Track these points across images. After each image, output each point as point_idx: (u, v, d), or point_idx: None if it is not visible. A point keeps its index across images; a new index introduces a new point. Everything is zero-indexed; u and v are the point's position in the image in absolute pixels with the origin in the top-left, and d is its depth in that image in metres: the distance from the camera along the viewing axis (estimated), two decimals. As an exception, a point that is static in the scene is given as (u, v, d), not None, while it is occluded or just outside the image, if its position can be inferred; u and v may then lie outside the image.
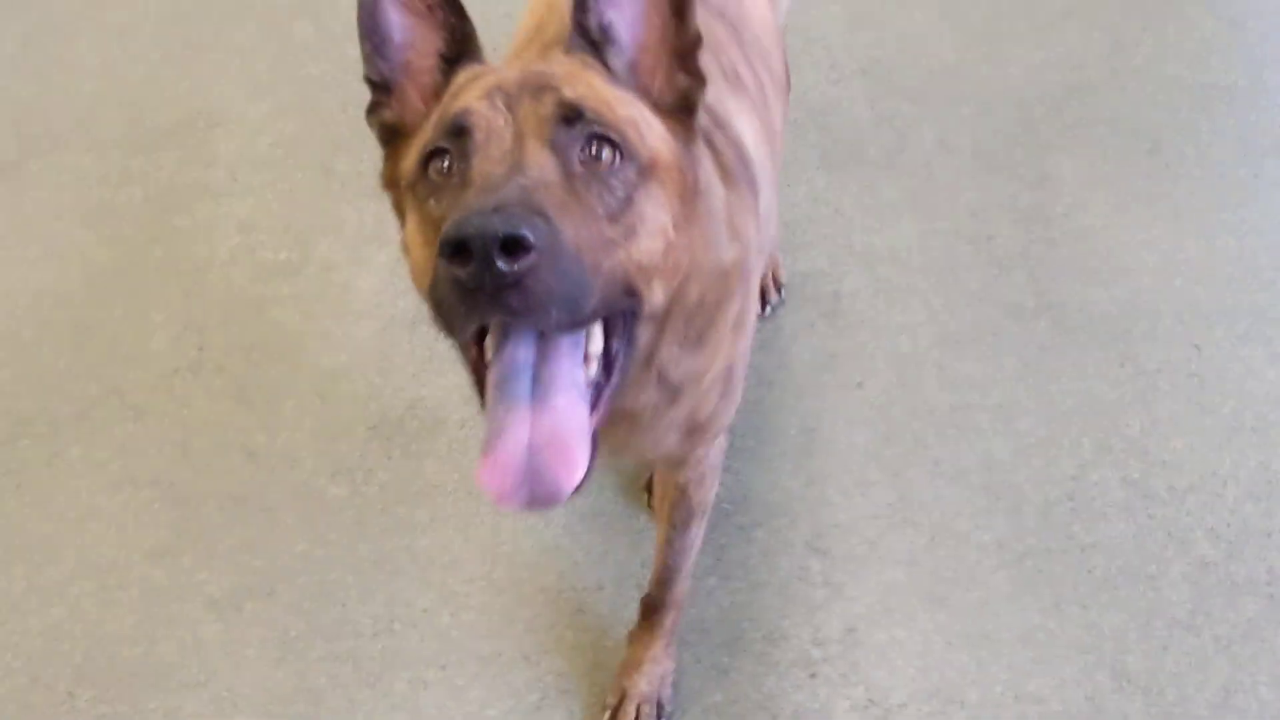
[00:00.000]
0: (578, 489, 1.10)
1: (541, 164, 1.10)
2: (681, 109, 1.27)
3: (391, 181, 1.30)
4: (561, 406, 1.12)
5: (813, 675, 1.97)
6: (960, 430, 2.25)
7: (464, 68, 1.28)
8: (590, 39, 1.25)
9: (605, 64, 1.25)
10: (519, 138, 1.12)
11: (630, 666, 1.94)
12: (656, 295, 1.18)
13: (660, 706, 1.94)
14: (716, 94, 1.53)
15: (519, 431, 1.11)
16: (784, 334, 2.41)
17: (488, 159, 1.11)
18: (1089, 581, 2.04)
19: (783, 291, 2.44)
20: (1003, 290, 2.45)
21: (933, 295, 2.45)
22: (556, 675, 2.00)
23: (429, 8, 1.29)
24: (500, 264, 0.97)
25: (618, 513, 2.19)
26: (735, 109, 1.60)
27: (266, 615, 2.09)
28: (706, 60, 1.49)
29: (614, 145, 1.14)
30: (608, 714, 1.94)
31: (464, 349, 1.19)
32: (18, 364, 2.47)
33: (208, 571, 2.16)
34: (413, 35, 1.30)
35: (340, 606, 2.10)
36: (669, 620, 1.92)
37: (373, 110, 1.31)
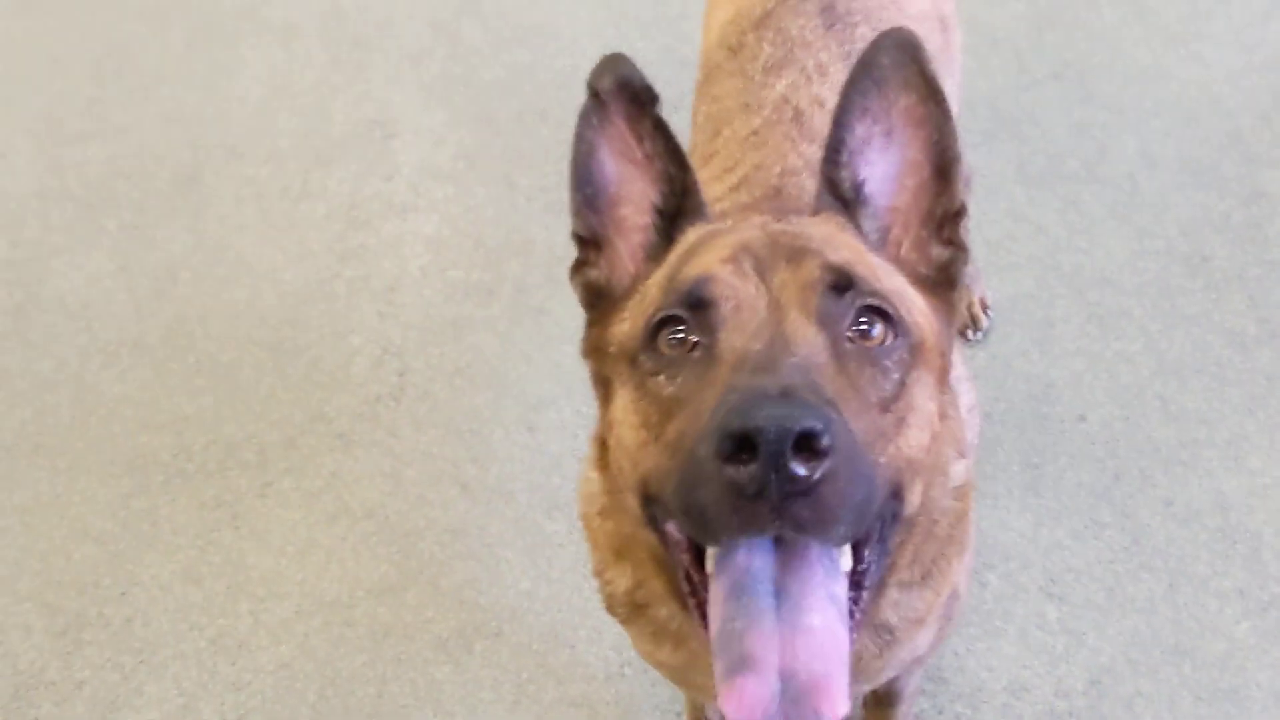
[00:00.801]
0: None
1: (809, 340, 0.94)
2: (939, 283, 1.13)
3: (595, 349, 1.16)
4: (818, 627, 0.92)
5: (1059, 729, 1.95)
6: (1189, 468, 2.20)
7: (690, 225, 1.16)
8: (841, 196, 1.12)
9: (858, 227, 1.12)
10: (776, 308, 0.97)
11: None
12: (916, 496, 1.02)
13: None
14: None
15: (769, 656, 0.91)
16: (998, 363, 2.36)
17: (741, 332, 0.96)
18: (1341, 634, 2.00)
19: (990, 313, 2.38)
20: (1222, 316, 2.38)
21: (1149, 321, 2.38)
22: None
23: (648, 158, 1.16)
24: (795, 466, 0.81)
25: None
26: None
27: (496, 656, 2.10)
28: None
29: (887, 319, 1.00)
30: None
31: (673, 546, 1.02)
32: (221, 389, 2.48)
33: (434, 610, 2.16)
34: (629, 188, 1.18)
35: (570, 649, 2.10)
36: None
37: (578, 268, 1.20)
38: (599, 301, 1.18)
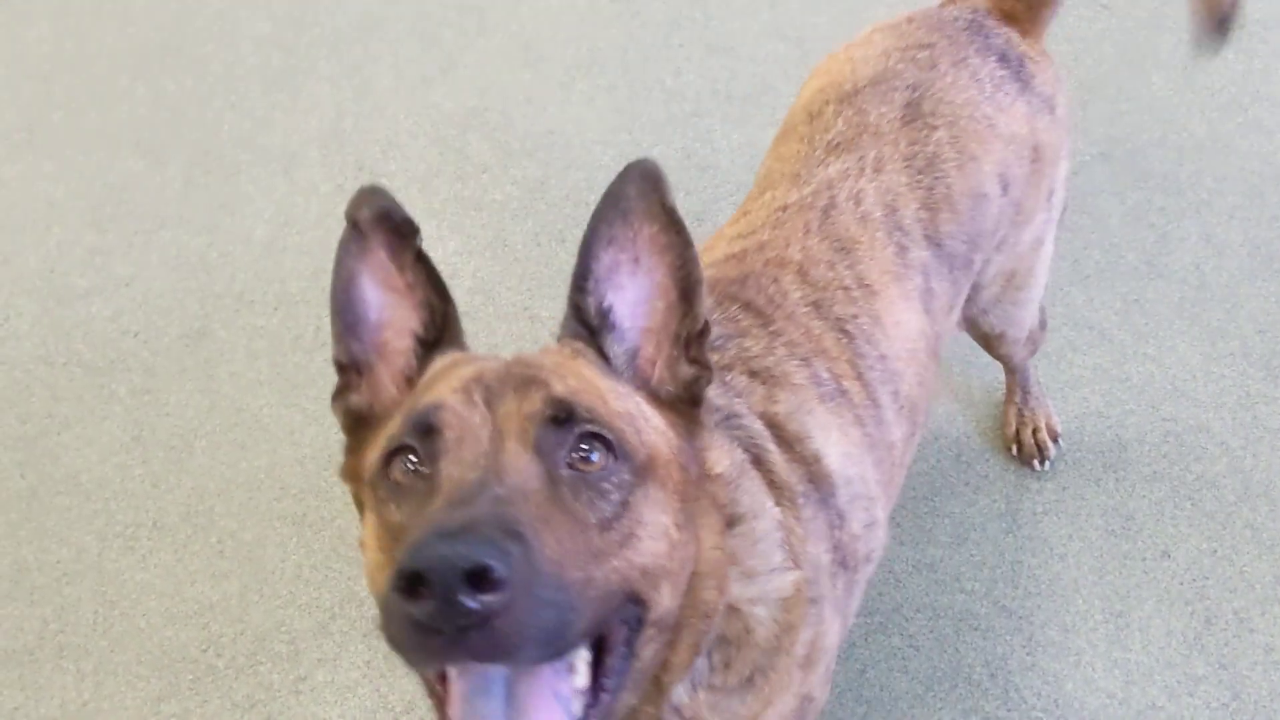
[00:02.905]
0: None
1: (521, 469, 0.98)
2: (685, 400, 1.17)
3: (353, 474, 1.17)
4: None
5: None
6: (1289, 604, 2.03)
7: (441, 353, 1.18)
8: (587, 323, 1.16)
9: (601, 350, 1.15)
10: (497, 438, 1.00)
11: None
12: (664, 599, 1.05)
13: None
14: (797, 406, 1.39)
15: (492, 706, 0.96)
16: (1069, 494, 2.19)
17: (459, 463, 0.99)
18: None
19: (1060, 443, 2.21)
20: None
21: (1230, 437, 2.21)
22: None
23: (409, 286, 1.19)
24: (464, 600, 0.83)
25: None
26: (823, 423, 1.40)
27: None
28: (794, 370, 1.40)
29: (607, 444, 1.03)
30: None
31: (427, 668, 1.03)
32: (246, 571, 2.35)
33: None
34: (390, 315, 1.20)
35: None
36: None
37: (339, 394, 1.20)
38: (359, 428, 1.19)
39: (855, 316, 1.50)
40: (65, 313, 2.81)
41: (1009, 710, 1.99)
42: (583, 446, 1.02)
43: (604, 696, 1.02)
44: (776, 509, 1.30)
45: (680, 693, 1.21)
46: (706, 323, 1.15)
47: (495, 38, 3.11)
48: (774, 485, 1.32)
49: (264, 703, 2.20)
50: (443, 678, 1.01)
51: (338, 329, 1.18)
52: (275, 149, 2.99)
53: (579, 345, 1.15)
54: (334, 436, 2.44)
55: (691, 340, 1.16)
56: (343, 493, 2.40)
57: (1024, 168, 1.64)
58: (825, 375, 1.44)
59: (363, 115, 3.03)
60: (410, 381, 1.18)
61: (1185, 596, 2.06)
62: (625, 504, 1.02)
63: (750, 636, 1.23)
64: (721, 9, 3.02)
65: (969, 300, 1.74)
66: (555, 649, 0.91)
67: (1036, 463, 2.19)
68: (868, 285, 1.51)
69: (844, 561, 1.38)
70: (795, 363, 1.43)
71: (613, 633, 1.02)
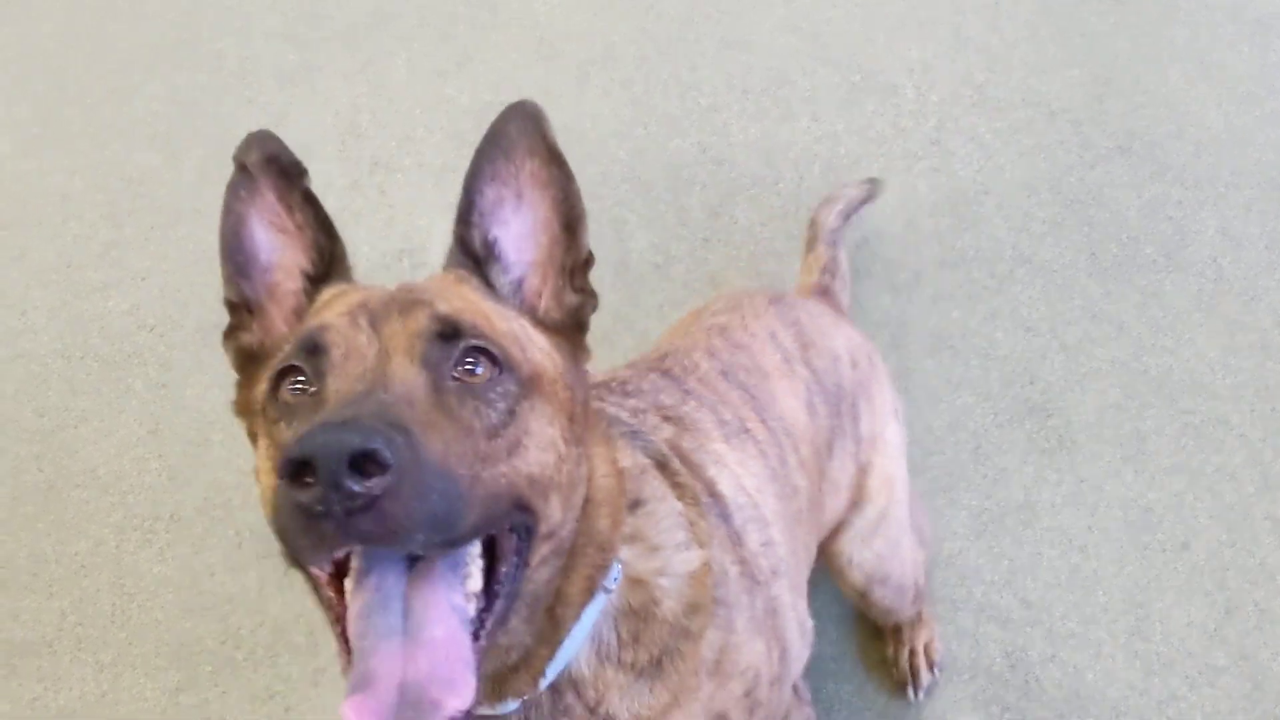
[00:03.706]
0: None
1: (407, 380, 0.99)
2: (570, 326, 1.21)
3: (245, 408, 1.19)
4: (440, 638, 0.97)
5: None
6: (1309, 596, 2.02)
7: (330, 286, 1.21)
8: (473, 254, 1.19)
9: (487, 279, 1.18)
10: (383, 355, 1.02)
11: None
12: (554, 510, 1.07)
13: None
14: (699, 445, 1.46)
15: (391, 668, 0.95)
16: (1087, 487, 2.19)
17: (345, 377, 1.01)
18: None
19: (937, 671, 2.02)
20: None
21: (1249, 429, 2.21)
22: None
23: (298, 227, 1.22)
24: (349, 484, 0.84)
25: None
26: (721, 455, 1.46)
27: None
28: (703, 417, 1.50)
29: (492, 358, 1.05)
30: None
31: (314, 580, 1.05)
32: (263, 563, 2.36)
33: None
34: (279, 255, 1.22)
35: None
36: None
37: (230, 334, 1.22)
38: (250, 365, 1.20)
39: (756, 384, 1.64)
40: (82, 306, 2.81)
41: (1029, 701, 1.99)
42: (468, 360, 1.04)
43: (497, 604, 1.03)
44: (679, 503, 1.33)
45: (585, 665, 1.21)
46: (590, 253, 1.20)
47: (510, 31, 3.11)
48: (677, 485, 1.35)
49: (283, 694, 2.20)
50: (340, 594, 1.02)
51: (228, 271, 1.21)
52: (290, 144, 2.99)
53: (463, 273, 1.17)
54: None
55: (576, 269, 1.20)
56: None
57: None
58: (730, 418, 1.54)
59: (378, 110, 3.03)
60: (300, 317, 1.20)
61: (1205, 588, 2.06)
62: (512, 413, 1.04)
63: (657, 609, 1.24)
64: (737, 4, 3.01)
65: (838, 550, 1.79)
66: (444, 536, 0.92)
67: (910, 690, 2.01)
68: (764, 371, 1.68)
69: (752, 575, 1.38)
70: (704, 411, 1.52)
71: (504, 540, 1.03)
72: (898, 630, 2.04)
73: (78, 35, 3.39)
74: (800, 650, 1.52)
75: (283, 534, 0.92)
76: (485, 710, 1.18)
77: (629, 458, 1.31)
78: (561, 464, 1.08)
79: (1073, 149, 2.62)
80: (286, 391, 1.05)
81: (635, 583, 1.24)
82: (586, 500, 1.15)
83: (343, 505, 0.85)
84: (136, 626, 2.32)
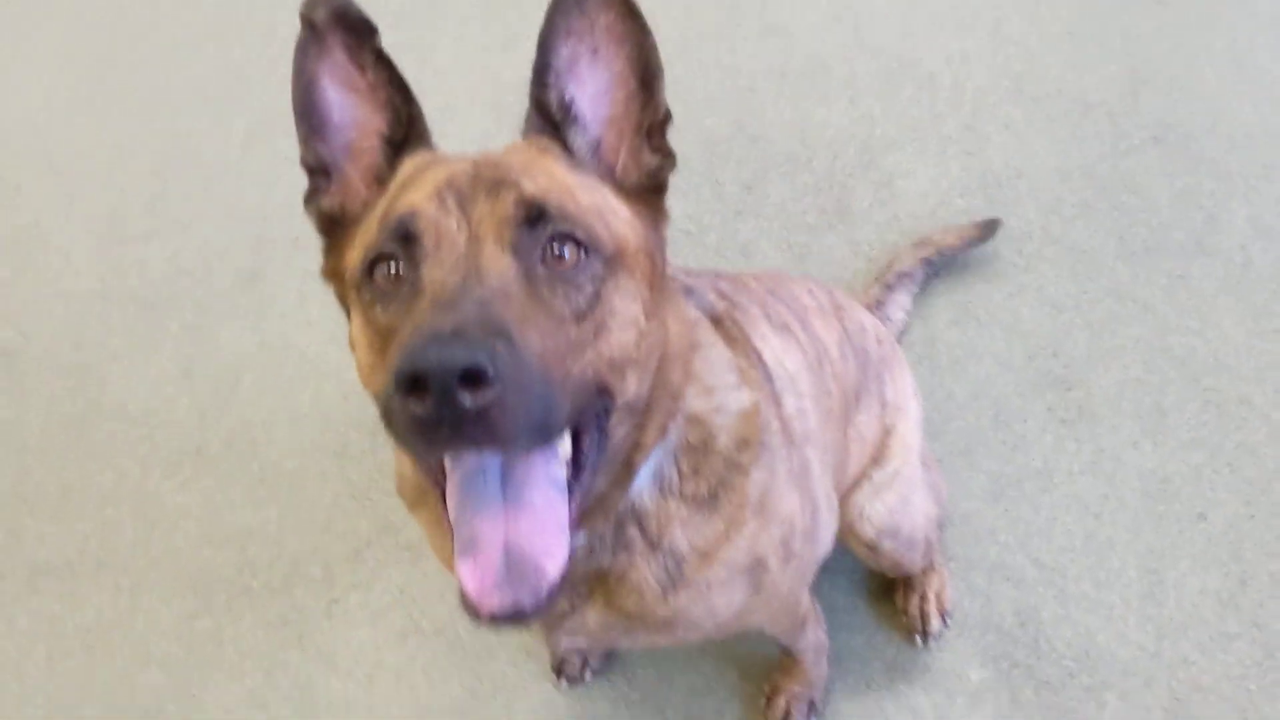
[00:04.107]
0: (556, 595, 1.04)
1: (501, 270, 1.03)
2: (649, 189, 1.20)
3: (334, 273, 1.21)
4: (539, 504, 1.05)
5: None
6: (1327, 571, 2.01)
7: (410, 154, 1.20)
8: (550, 118, 1.17)
9: (566, 144, 1.17)
10: (475, 241, 1.05)
11: (783, 669, 1.96)
12: (630, 386, 1.12)
13: (811, 704, 1.95)
14: (750, 317, 1.50)
15: (494, 532, 1.04)
16: (1106, 456, 2.19)
17: (439, 265, 1.04)
18: None
19: (948, 619, 2.03)
20: (1353, 399, 2.19)
21: (1271, 409, 2.20)
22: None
23: (371, 87, 1.20)
24: (461, 398, 0.89)
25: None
26: (765, 335, 1.50)
27: (577, 789, 1.97)
28: (750, 307, 1.50)
29: (578, 241, 1.07)
30: (764, 701, 1.98)
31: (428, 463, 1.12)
32: (285, 499, 2.39)
33: (508, 736, 2.04)
34: (354, 115, 1.21)
35: (655, 780, 1.96)
36: (808, 656, 1.89)
37: (310, 198, 1.21)
38: (334, 229, 1.21)
39: (797, 310, 1.68)
40: (124, 250, 2.87)
41: (1039, 659, 1.98)
42: (555, 244, 1.06)
43: (584, 474, 1.10)
44: (729, 350, 1.37)
45: (648, 499, 1.27)
46: (668, 110, 1.18)
47: (556, 15, 3.18)
48: (729, 337, 1.40)
49: (296, 623, 2.22)
50: (442, 469, 1.08)
51: (302, 132, 1.20)
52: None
53: (544, 141, 1.17)
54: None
55: (654, 128, 1.18)
56: (385, 432, 2.43)
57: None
58: (775, 316, 1.57)
59: (422, 81, 3.08)
60: (381, 182, 1.20)
61: (1220, 558, 2.05)
62: (597, 295, 1.07)
63: (713, 443, 1.30)
64: (778, -3, 3.08)
65: (852, 502, 1.83)
66: (541, 436, 0.98)
67: (919, 637, 2.02)
68: (804, 305, 1.72)
69: (789, 435, 1.43)
70: (754, 306, 1.55)
71: (586, 420, 1.08)
72: (909, 579, 2.04)
73: (142, 1, 3.50)
74: (829, 520, 1.55)
75: (396, 435, 0.96)
76: None
77: (685, 308, 1.34)
78: (642, 340, 1.12)
79: (1106, 139, 2.64)
80: (380, 277, 1.07)
81: (694, 421, 1.29)
82: (661, 357, 1.18)
83: (453, 417, 0.90)
84: (156, 554, 2.36)
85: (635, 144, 1.19)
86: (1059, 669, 1.97)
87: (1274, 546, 2.05)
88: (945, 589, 2.04)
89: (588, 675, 2.07)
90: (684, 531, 1.29)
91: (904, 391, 1.93)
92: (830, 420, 1.60)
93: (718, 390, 1.32)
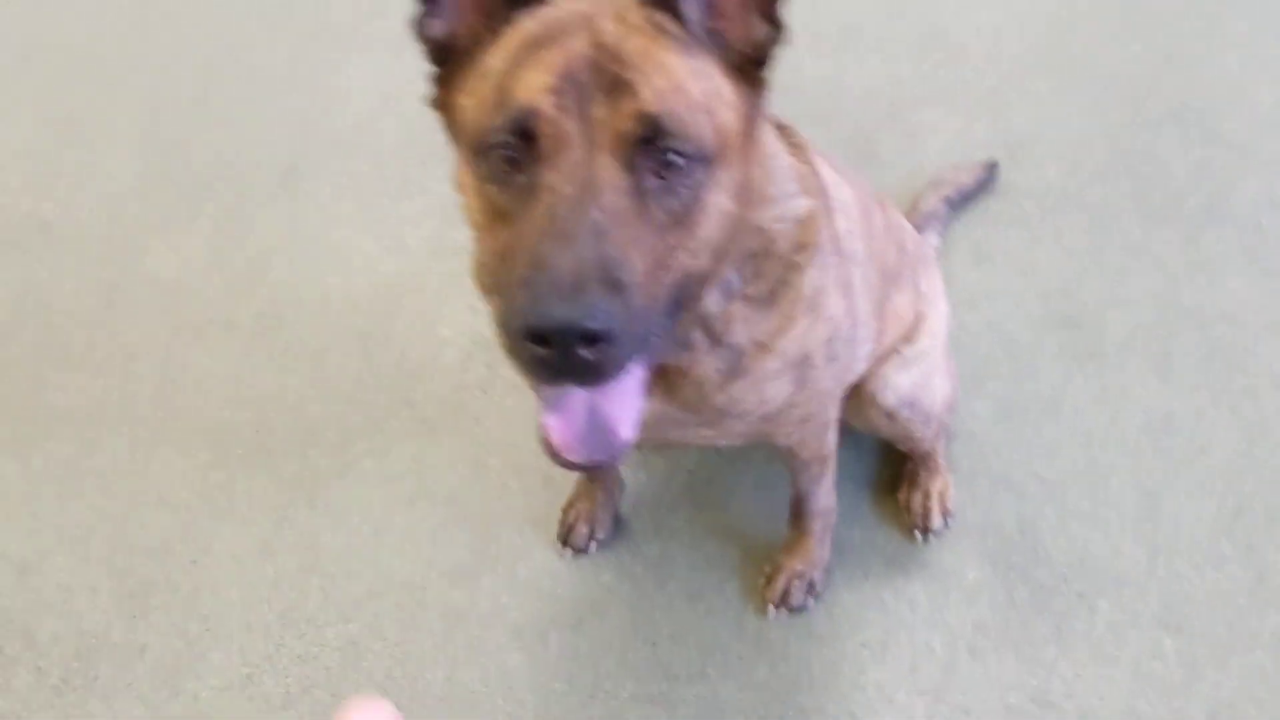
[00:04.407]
0: (627, 452, 1.19)
1: (614, 184, 1.08)
2: (754, 63, 1.20)
3: (443, 106, 1.22)
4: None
5: (1178, 764, 1.81)
6: (1319, 508, 2.07)
7: (524, 8, 1.18)
8: None
9: (677, 12, 1.16)
10: (591, 148, 1.08)
11: (786, 549, 2.02)
12: (716, 268, 1.22)
13: (811, 584, 2.01)
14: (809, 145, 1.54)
15: (580, 394, 1.18)
16: (1111, 392, 2.25)
17: (558, 171, 1.08)
18: None
19: (948, 520, 2.08)
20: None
21: (1275, 361, 2.27)
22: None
23: None
24: (580, 352, 1.02)
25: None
26: (820, 163, 1.54)
27: (574, 649, 2.00)
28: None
29: (688, 155, 1.11)
30: (764, 580, 2.04)
31: None
32: (307, 371, 2.44)
33: (509, 596, 2.07)
34: None
35: (651, 646, 1.99)
36: (816, 526, 1.98)
37: (419, 22, 1.20)
38: (445, 58, 1.22)
39: (847, 174, 1.70)
40: (167, 140, 2.95)
41: (1035, 563, 2.03)
42: (665, 156, 1.10)
43: (660, 345, 1.19)
44: (792, 158, 1.42)
45: (713, 305, 1.35)
46: None
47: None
48: (792, 144, 1.46)
49: (308, 482, 2.26)
50: None
51: None
52: (384, 35, 3.15)
53: (658, 17, 1.15)
54: (408, 269, 2.56)
55: None
56: (411, 315, 2.50)
57: None
58: (828, 161, 1.61)
59: None
60: (491, 16, 1.19)
61: (1217, 490, 2.11)
62: (696, 198, 1.13)
63: (774, 248, 1.37)
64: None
65: (879, 373, 1.88)
66: (637, 359, 1.12)
67: (918, 533, 2.08)
68: (851, 179, 1.73)
69: (838, 248, 1.50)
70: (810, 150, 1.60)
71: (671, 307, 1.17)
72: (914, 476, 2.10)
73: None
74: (865, 338, 1.64)
75: (514, 361, 1.07)
76: None
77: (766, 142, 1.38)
78: (732, 226, 1.19)
79: (1127, 111, 2.74)
80: (496, 159, 1.11)
81: (758, 230, 1.35)
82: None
83: (569, 364, 1.03)
84: (176, 409, 2.40)
85: (745, 13, 1.18)
86: (1054, 574, 2.02)
87: (1271, 483, 2.11)
88: (949, 491, 2.09)
89: (593, 547, 2.11)
90: (744, 327, 1.38)
91: (935, 288, 2.01)
92: (873, 256, 1.66)
93: (780, 200, 1.37)
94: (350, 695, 1.93)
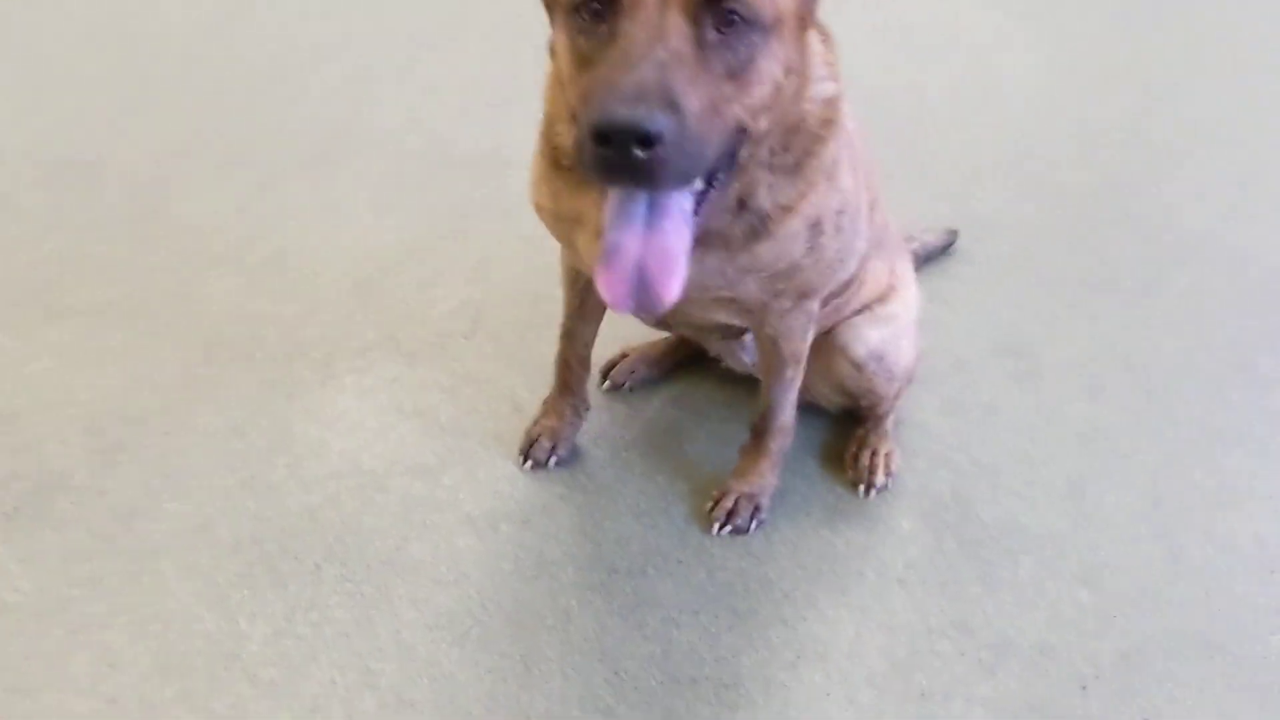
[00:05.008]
0: (675, 298, 1.37)
1: (680, 34, 1.27)
2: None
3: None
4: (669, 230, 1.37)
5: (1084, 688, 1.88)
6: (1231, 510, 2.21)
7: None
8: None
9: None
10: (663, 5, 1.27)
11: (737, 473, 2.14)
12: (761, 125, 1.41)
13: (757, 508, 2.12)
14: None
15: (633, 249, 1.37)
16: (1047, 404, 2.43)
17: (633, 21, 1.27)
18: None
19: (890, 479, 2.22)
20: (1268, 397, 2.46)
21: (1197, 400, 2.47)
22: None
23: None
24: (636, 153, 1.20)
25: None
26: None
27: (522, 538, 2.08)
28: None
29: (745, 17, 1.31)
30: (711, 504, 2.14)
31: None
32: (305, 300, 2.59)
33: (466, 492, 2.16)
34: None
35: (595, 544, 2.08)
36: (774, 444, 2.11)
37: None
38: None
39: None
40: (221, 108, 3.21)
41: (966, 523, 2.15)
42: (727, 15, 1.29)
43: (712, 191, 1.44)
44: (822, 46, 1.63)
45: (746, 174, 1.56)
46: None
47: None
48: (822, 34, 1.65)
49: (290, 385, 2.38)
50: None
51: None
52: (425, 71, 3.48)
53: None
54: (415, 240, 2.75)
55: None
56: (411, 276, 2.68)
57: None
58: None
59: None
60: None
61: (1140, 485, 2.25)
62: (751, 59, 1.33)
63: (803, 124, 1.58)
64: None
65: (851, 324, 2.10)
66: (687, 180, 1.31)
67: (862, 488, 2.21)
68: None
69: (849, 138, 1.71)
70: None
71: (722, 160, 1.40)
72: (864, 439, 2.24)
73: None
74: (863, 226, 1.83)
75: (582, 165, 1.27)
76: None
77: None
78: (779, 93, 1.40)
79: (1077, 213, 3.04)
80: (585, 13, 1.32)
81: (796, 106, 1.54)
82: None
83: (628, 163, 1.22)
84: (178, 316, 2.54)
85: None
86: (983, 532, 2.13)
87: (1190, 486, 2.26)
88: (894, 455, 2.24)
89: (552, 462, 2.21)
90: (769, 193, 1.59)
91: (908, 274, 2.23)
92: (865, 177, 1.86)
93: (812, 82, 1.57)
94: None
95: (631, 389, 2.41)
